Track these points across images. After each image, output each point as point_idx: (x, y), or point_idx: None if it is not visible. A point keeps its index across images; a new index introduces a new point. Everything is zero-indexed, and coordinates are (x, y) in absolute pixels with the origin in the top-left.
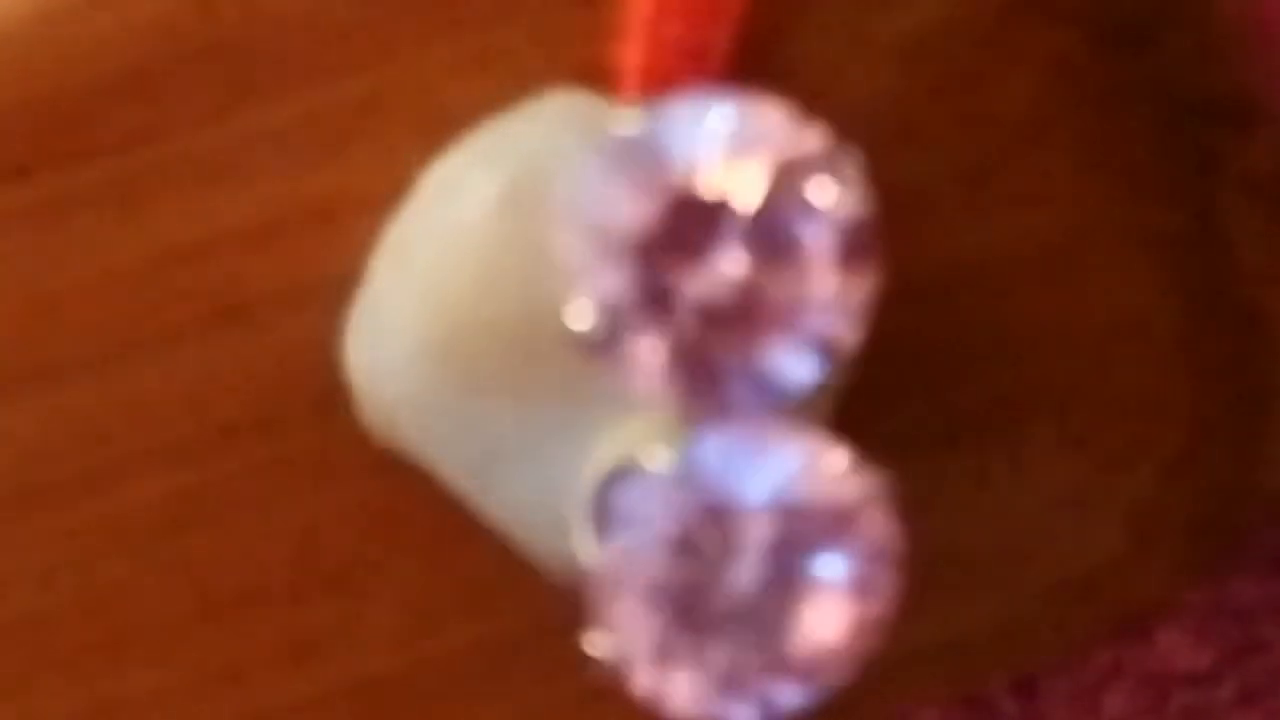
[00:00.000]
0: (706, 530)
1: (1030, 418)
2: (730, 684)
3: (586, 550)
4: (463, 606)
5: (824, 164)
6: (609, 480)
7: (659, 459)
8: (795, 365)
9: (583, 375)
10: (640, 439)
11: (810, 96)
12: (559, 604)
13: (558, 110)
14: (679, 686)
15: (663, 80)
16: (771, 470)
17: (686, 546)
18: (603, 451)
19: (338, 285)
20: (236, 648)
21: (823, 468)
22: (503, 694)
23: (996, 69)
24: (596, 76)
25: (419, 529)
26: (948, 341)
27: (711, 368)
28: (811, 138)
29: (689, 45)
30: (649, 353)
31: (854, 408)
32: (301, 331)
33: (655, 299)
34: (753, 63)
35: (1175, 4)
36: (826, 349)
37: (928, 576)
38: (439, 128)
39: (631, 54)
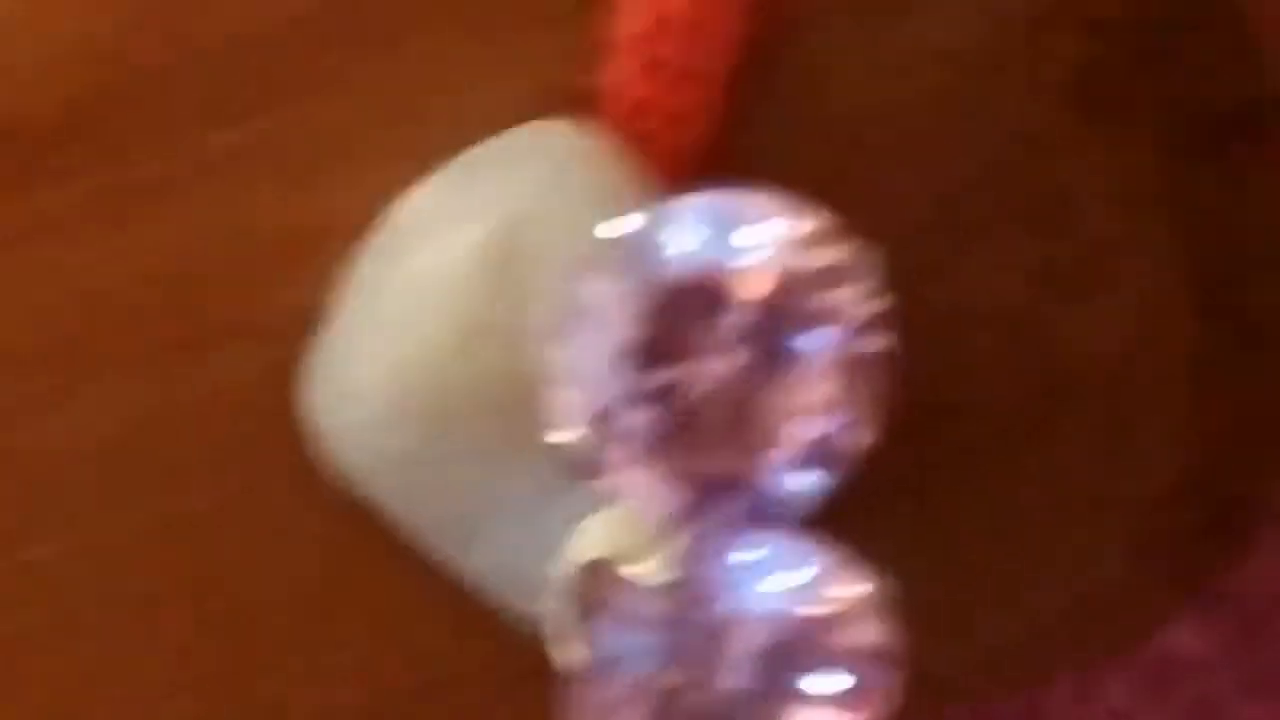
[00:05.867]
0: (695, 640)
1: (1032, 433)
2: None
3: (561, 643)
4: (416, 669)
5: (837, 272)
6: (588, 573)
7: (648, 567)
8: (795, 480)
9: None
10: (622, 533)
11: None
12: (516, 658)
13: (540, 149)
14: None
15: (655, 107)
16: (765, 581)
17: (673, 654)
18: (583, 540)
19: (300, 319)
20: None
21: (820, 575)
22: None
23: (1014, 79)
24: (578, 102)
25: (378, 578)
26: (931, 346)
27: (705, 486)
28: (829, 244)
29: (684, 66)
30: (638, 473)
31: None
32: (262, 366)
33: (647, 411)
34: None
35: (1196, 12)
36: (828, 460)
37: (923, 602)
38: (411, 155)
39: (621, 78)
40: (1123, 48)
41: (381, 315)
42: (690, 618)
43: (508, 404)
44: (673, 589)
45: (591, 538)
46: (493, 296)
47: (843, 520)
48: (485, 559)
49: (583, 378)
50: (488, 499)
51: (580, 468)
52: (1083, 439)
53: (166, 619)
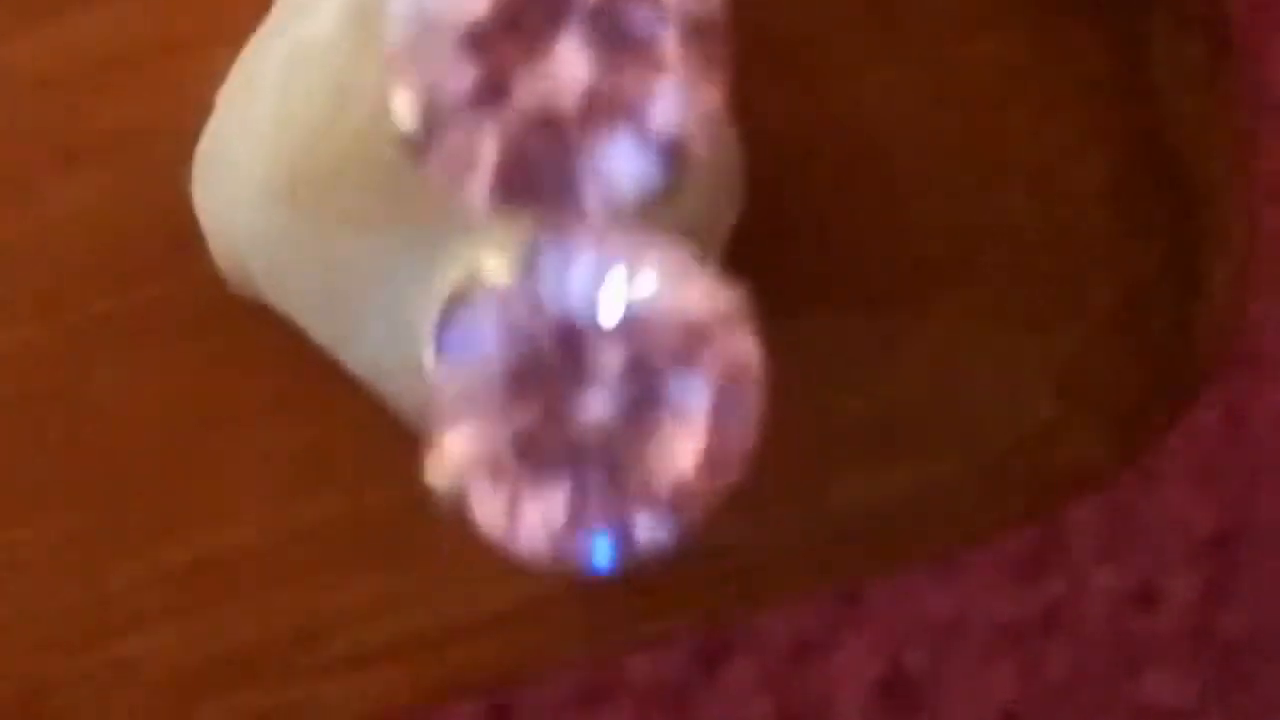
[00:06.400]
0: (550, 347)
1: (947, 275)
2: (581, 516)
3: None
4: (326, 473)
5: None
6: (451, 302)
7: (496, 272)
8: (637, 164)
9: (441, 206)
10: (485, 254)
11: None
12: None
13: None
14: (527, 519)
15: None
16: (619, 283)
17: (530, 366)
18: (450, 272)
19: (191, 122)
20: (94, 516)
21: (676, 281)
22: (369, 567)
23: None
24: None
25: (283, 383)
26: (847, 192)
27: (545, 168)
28: None
29: None
30: (477, 153)
31: (757, 269)
32: (155, 173)
33: (486, 92)
34: None
35: None
36: (672, 149)
37: (843, 448)
38: None
39: None
40: None
41: (255, 92)
42: (542, 325)
43: (380, 172)
44: (521, 297)
45: (457, 272)
46: (362, 58)
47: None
48: (366, 343)
49: (420, 62)
50: (367, 276)
51: (420, 153)
52: (1001, 272)
53: (78, 436)
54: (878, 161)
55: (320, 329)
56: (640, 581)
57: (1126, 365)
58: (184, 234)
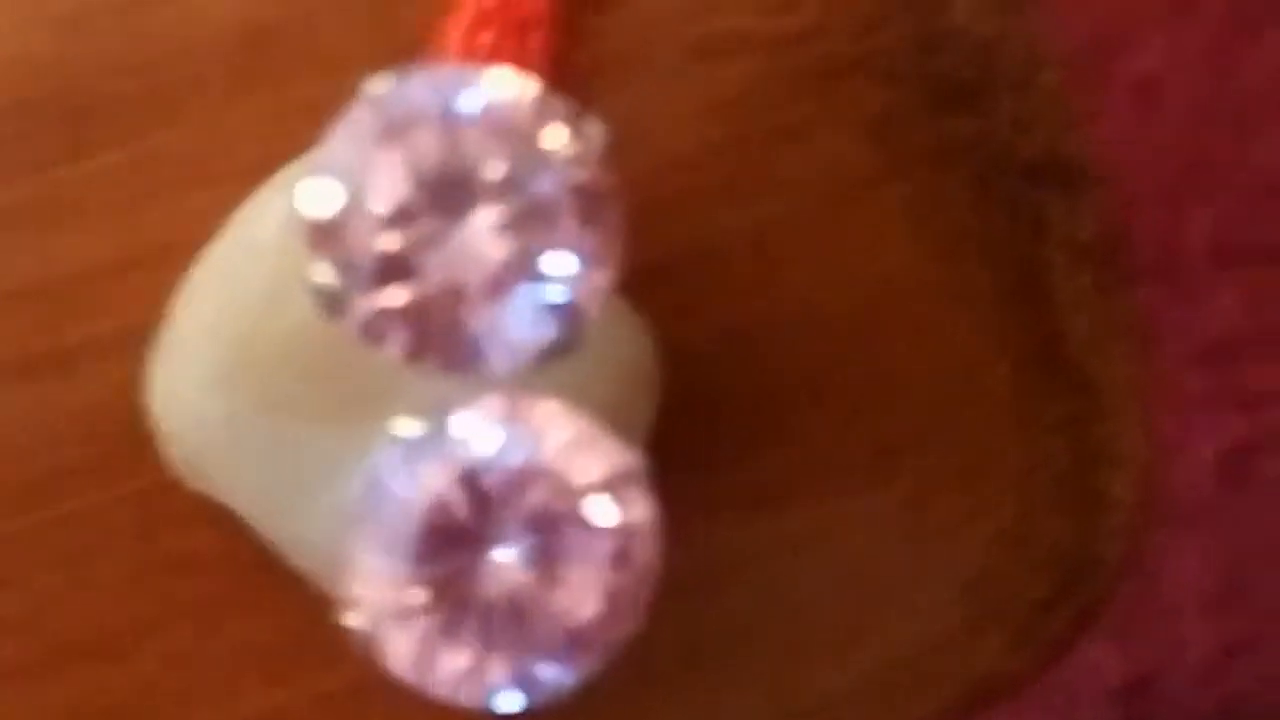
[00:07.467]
0: (458, 500)
1: (851, 481)
2: (487, 665)
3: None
4: (286, 663)
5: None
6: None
7: (409, 428)
8: (535, 325)
9: (375, 398)
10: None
11: (625, 145)
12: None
13: None
14: (437, 664)
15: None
16: (524, 438)
17: (439, 517)
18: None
19: (149, 335)
20: (50, 707)
21: (576, 441)
22: None
23: (818, 125)
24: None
25: (240, 581)
26: (765, 401)
27: (450, 325)
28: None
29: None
30: (388, 310)
31: (669, 467)
32: (121, 380)
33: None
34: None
35: (1000, 69)
36: (567, 311)
37: (744, 654)
38: (264, 177)
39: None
40: (920, 96)
41: (205, 294)
42: (451, 481)
43: (314, 363)
44: (432, 447)
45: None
46: (299, 263)
47: None
48: (305, 531)
49: (342, 234)
50: (309, 463)
51: (333, 306)
52: (904, 481)
53: (34, 631)
54: (788, 371)
55: (267, 520)
56: None
57: (1030, 576)
58: (148, 439)
